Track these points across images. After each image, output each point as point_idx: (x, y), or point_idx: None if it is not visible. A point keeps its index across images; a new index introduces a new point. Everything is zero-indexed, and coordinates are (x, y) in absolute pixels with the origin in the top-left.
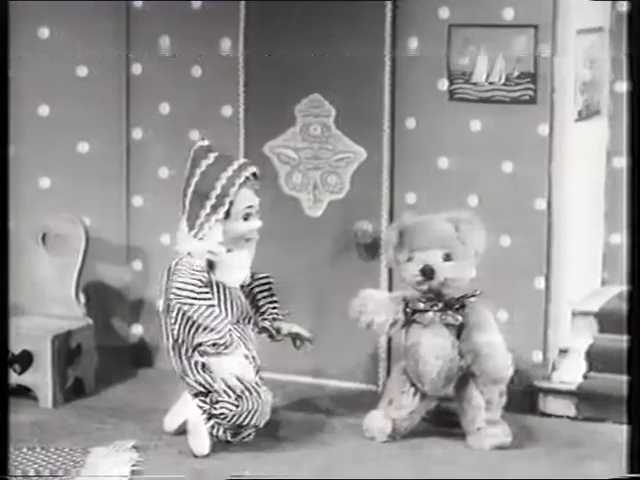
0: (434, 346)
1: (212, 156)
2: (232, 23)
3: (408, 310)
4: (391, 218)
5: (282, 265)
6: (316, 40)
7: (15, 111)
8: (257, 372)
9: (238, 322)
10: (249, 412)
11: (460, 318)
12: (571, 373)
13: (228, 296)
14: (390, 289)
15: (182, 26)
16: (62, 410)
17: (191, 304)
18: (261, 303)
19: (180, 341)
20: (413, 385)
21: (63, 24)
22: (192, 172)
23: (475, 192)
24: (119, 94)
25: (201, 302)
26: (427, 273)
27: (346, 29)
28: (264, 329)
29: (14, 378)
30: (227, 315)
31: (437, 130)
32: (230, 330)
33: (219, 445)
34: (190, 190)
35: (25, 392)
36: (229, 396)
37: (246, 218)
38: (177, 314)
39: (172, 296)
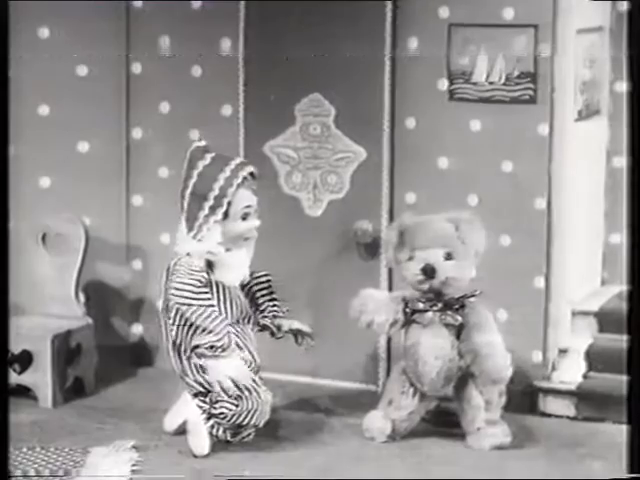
0: (433, 346)
1: (209, 157)
2: (232, 23)
3: (408, 310)
4: (391, 218)
5: (282, 265)
6: (316, 40)
7: (15, 111)
8: (257, 372)
9: (238, 322)
10: (249, 412)
11: (460, 318)
12: (571, 373)
13: (227, 296)
14: (390, 289)
15: (182, 26)
16: (62, 410)
17: (189, 305)
18: (261, 301)
19: (178, 342)
20: (413, 385)
21: (63, 24)
22: (189, 173)
23: (475, 192)
24: (119, 94)
25: (199, 303)
26: (428, 272)
27: (346, 29)
28: (265, 327)
29: (14, 378)
30: (227, 315)
31: (437, 130)
32: (228, 332)
33: (219, 445)
34: (188, 191)
35: (25, 392)
36: (228, 396)
37: (244, 218)
38: (175, 315)
39: (170, 296)
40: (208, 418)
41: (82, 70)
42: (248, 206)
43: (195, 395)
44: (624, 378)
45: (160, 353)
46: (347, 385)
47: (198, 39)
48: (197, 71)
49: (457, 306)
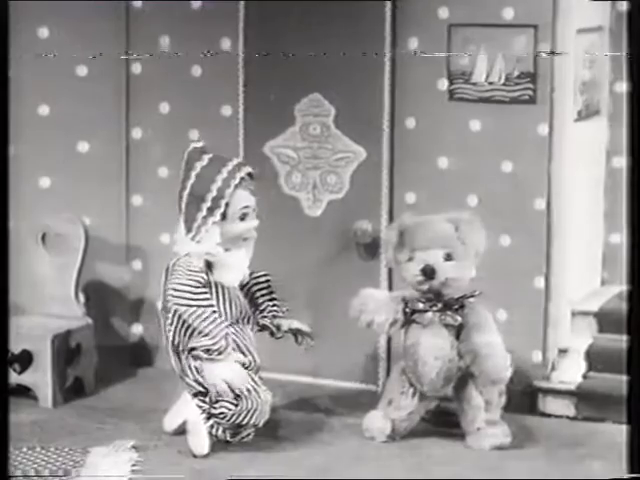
0: (433, 346)
1: (206, 158)
2: (232, 23)
3: (407, 310)
4: (391, 218)
5: (281, 265)
6: (316, 40)
7: (15, 111)
8: (257, 371)
9: (237, 322)
10: (248, 411)
11: (459, 318)
12: (571, 373)
13: (227, 296)
14: (390, 289)
15: (182, 26)
16: (62, 410)
17: (188, 305)
18: (260, 301)
19: (177, 342)
20: (412, 385)
21: (63, 24)
22: (187, 174)
23: (475, 192)
24: (119, 94)
25: (197, 304)
26: (428, 273)
27: (346, 29)
28: (264, 327)
29: (14, 378)
30: (226, 315)
31: (437, 130)
32: (225, 335)
33: (218, 445)
34: (185, 192)
35: (25, 392)
36: (227, 395)
37: (243, 218)
38: (173, 316)
39: (168, 297)
40: (208, 418)
41: (82, 70)
42: (246, 207)
43: (195, 395)
44: (624, 378)
45: (160, 353)
46: (347, 385)
47: (198, 39)
48: (197, 71)
49: (457, 306)
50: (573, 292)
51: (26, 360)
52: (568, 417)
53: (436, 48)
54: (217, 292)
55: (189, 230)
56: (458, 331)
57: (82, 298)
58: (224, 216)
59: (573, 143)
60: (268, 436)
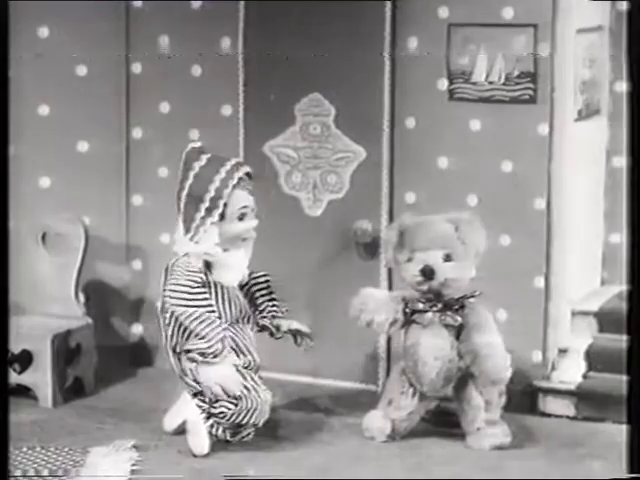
0: (433, 347)
1: (204, 158)
2: (232, 23)
3: (407, 310)
4: (391, 217)
5: (281, 265)
6: (316, 40)
7: (15, 111)
8: (256, 371)
9: (237, 321)
10: (248, 411)
11: (459, 319)
12: (571, 373)
13: (226, 296)
14: (390, 289)
15: (182, 26)
16: (62, 409)
17: (185, 306)
18: (259, 301)
19: (174, 343)
20: (412, 386)
21: (63, 24)
22: (185, 174)
23: (475, 192)
24: (119, 93)
25: (194, 304)
26: (427, 273)
27: (346, 29)
28: (264, 327)
29: (14, 377)
30: (225, 315)
31: (437, 129)
32: (222, 338)
33: (218, 444)
34: (184, 193)
35: (25, 391)
36: (223, 398)
37: (241, 218)
38: (170, 317)
39: (165, 298)
40: (208, 418)
41: (82, 70)
42: (244, 207)
43: (194, 395)
44: (624, 378)
45: (160, 353)
46: (347, 385)
47: (198, 39)
48: (197, 71)
49: (457, 307)
50: (573, 292)
51: (26, 360)
52: (568, 417)
53: (436, 48)
54: (216, 292)
55: (188, 230)
56: (458, 331)
57: (82, 298)
58: (222, 216)
59: (573, 143)
60: (268, 436)
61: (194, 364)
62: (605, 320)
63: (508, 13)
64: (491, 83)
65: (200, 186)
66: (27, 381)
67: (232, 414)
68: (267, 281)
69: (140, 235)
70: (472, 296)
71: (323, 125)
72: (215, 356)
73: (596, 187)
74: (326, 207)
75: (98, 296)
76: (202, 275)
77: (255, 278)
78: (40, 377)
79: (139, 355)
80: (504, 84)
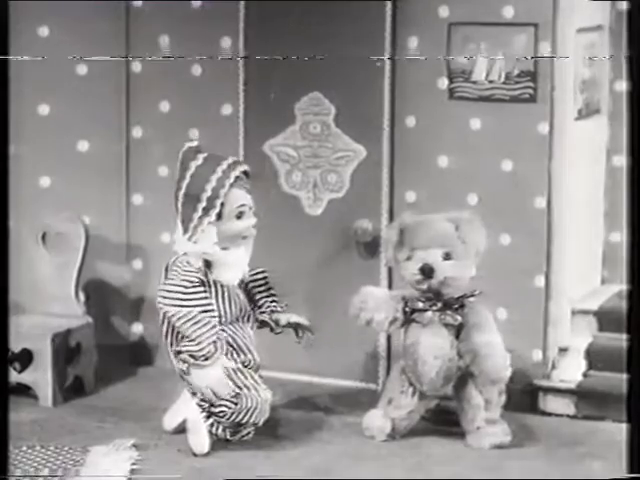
0: (433, 346)
1: (201, 157)
2: (232, 23)
3: (407, 309)
4: (391, 216)
5: (282, 264)
6: (316, 40)
7: (15, 110)
8: (256, 370)
9: (237, 320)
10: (248, 410)
11: (459, 318)
12: (571, 371)
13: (226, 295)
14: (390, 288)
15: (182, 26)
16: (62, 409)
17: (179, 306)
18: (258, 297)
19: (169, 342)
20: (412, 385)
21: (63, 24)
22: (182, 174)
23: (475, 191)
24: (119, 92)
25: (187, 304)
26: (426, 272)
27: (346, 29)
28: (263, 323)
29: (14, 376)
30: (225, 314)
31: (437, 128)
32: (214, 341)
33: (218, 443)
34: (181, 193)
35: (25, 390)
36: (213, 401)
37: (239, 217)
38: (164, 317)
39: (159, 298)
40: (208, 417)
41: (82, 69)
42: (242, 205)
43: (194, 393)
44: (624, 377)
45: (160, 352)
46: (347, 384)
47: (198, 39)
48: (197, 70)
49: (457, 306)
50: (573, 291)
51: (26, 359)
52: (568, 416)
53: (436, 47)
54: (216, 291)
55: (186, 230)
56: (458, 330)
57: (82, 297)
58: (220, 216)
59: (573, 142)
60: (268, 435)
61: (185, 365)
62: (605, 319)
63: (508, 12)
64: (491, 82)
65: (197, 186)
66: (27, 380)
67: (232, 413)
68: (265, 278)
69: (140, 234)
70: (472, 295)
71: (323, 124)
72: (206, 359)
73: (596, 186)
74: (326, 206)
75: (98, 295)
76: (200, 274)
77: (253, 275)
78: (40, 376)
79: (139, 354)
80: (504, 83)
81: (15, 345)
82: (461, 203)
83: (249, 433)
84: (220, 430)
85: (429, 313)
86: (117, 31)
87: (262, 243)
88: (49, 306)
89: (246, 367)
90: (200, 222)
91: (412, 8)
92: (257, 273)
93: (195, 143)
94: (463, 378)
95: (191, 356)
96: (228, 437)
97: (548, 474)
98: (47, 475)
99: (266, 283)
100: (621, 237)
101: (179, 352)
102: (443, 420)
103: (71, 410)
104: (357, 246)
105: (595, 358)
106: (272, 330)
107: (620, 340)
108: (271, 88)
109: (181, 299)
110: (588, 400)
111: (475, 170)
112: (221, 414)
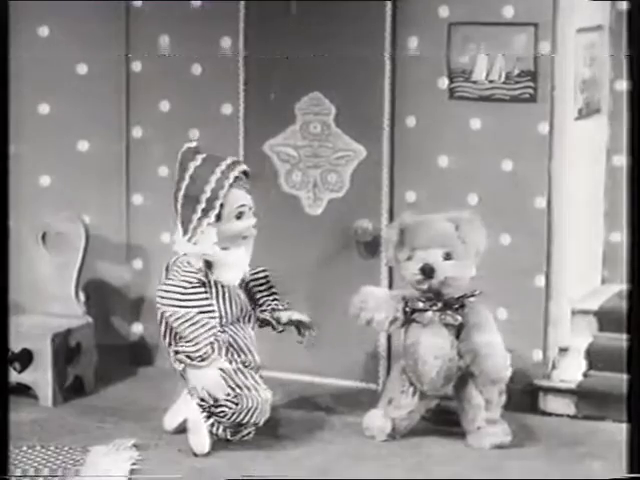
0: (433, 346)
1: (200, 158)
2: (232, 22)
3: (407, 309)
4: (391, 216)
5: (282, 264)
6: (316, 40)
7: (15, 109)
8: (257, 370)
9: (238, 320)
10: (249, 410)
11: (459, 318)
12: (571, 371)
13: (227, 295)
14: (390, 287)
15: (182, 25)
16: (62, 408)
17: (177, 307)
18: (259, 296)
19: (167, 342)
20: (412, 384)
21: (63, 23)
22: (181, 176)
23: (475, 190)
24: (119, 92)
25: (187, 305)
26: (427, 272)
27: (346, 29)
28: (265, 321)
29: (14, 376)
30: (226, 314)
31: (437, 128)
32: (211, 342)
33: (219, 444)
34: (181, 194)
35: (25, 390)
36: (209, 402)
37: (239, 217)
38: (161, 317)
39: (157, 298)
40: (208, 417)
41: (82, 69)
42: (242, 205)
43: (194, 393)
44: (624, 376)
45: (160, 352)
46: (347, 384)
47: (198, 39)
48: (197, 70)
49: (457, 306)
50: (573, 291)
51: (26, 359)
52: (568, 416)
53: (436, 47)
54: (217, 292)
55: (185, 231)
56: (458, 330)
57: (82, 297)
58: (219, 217)
59: (573, 141)
60: (268, 435)
61: (182, 366)
62: (605, 319)
63: (508, 12)
64: (491, 82)
65: (196, 186)
66: (27, 380)
67: (233, 413)
68: (266, 276)
69: (140, 234)
70: (472, 295)
71: (323, 124)
72: (202, 360)
73: (596, 186)
74: (326, 206)
75: (98, 295)
76: (200, 275)
77: (254, 274)
78: (40, 376)
79: (139, 354)
80: (504, 83)
81: (15, 345)
82: (461, 203)
83: (250, 433)
84: (221, 430)
85: (429, 313)
86: (117, 31)
87: (262, 243)
88: (49, 306)
89: (246, 367)
90: (199, 223)
91: (412, 8)
92: (258, 272)
93: (194, 144)
94: (463, 378)
95: (187, 357)
96: (229, 437)
97: (548, 474)
98: (47, 475)
99: (267, 282)
100: (621, 237)
101: (177, 352)
102: (443, 420)
103: (71, 410)
104: (357, 246)
105: (595, 358)
106: (274, 328)
107: (620, 340)
108: (271, 88)
109: (179, 299)
110: (588, 400)
111: (475, 170)
112: (222, 414)
